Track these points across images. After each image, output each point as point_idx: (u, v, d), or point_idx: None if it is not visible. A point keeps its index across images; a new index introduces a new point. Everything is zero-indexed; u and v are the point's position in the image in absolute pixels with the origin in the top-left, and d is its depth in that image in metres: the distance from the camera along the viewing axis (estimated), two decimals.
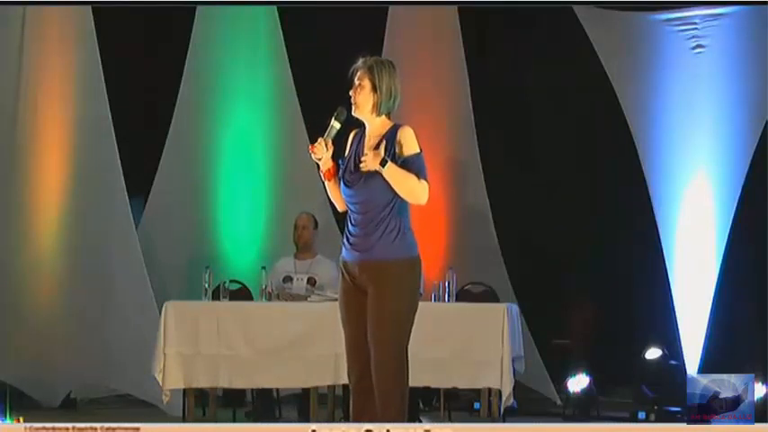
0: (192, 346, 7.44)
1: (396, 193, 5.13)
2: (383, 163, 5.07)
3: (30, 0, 8.68)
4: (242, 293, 8.53)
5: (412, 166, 5.12)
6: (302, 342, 7.44)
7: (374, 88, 5.18)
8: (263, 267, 7.94)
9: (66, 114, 8.76)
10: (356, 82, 5.23)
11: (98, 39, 8.69)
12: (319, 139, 5.23)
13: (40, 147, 8.74)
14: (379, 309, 5.12)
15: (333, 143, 5.24)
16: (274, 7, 9.40)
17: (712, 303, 8.56)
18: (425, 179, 5.13)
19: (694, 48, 8.77)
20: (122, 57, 9.01)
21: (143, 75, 9.42)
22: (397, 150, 5.15)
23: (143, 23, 9.29)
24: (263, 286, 7.79)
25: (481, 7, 9.22)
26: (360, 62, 5.25)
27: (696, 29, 8.76)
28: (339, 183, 5.27)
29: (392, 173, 5.09)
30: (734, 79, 8.65)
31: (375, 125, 5.24)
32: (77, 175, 8.73)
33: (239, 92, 9.45)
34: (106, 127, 8.61)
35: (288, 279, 8.14)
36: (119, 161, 8.58)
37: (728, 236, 8.56)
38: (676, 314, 8.66)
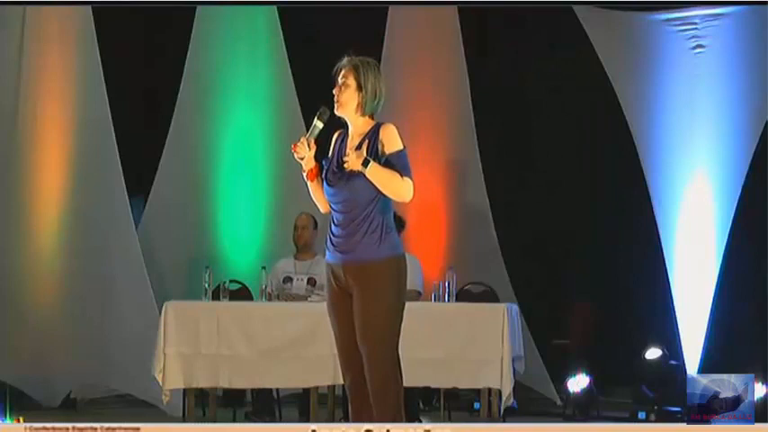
0: (192, 346, 7.44)
1: (379, 191, 5.07)
2: (365, 163, 5.02)
3: (30, 0, 8.68)
4: (242, 293, 8.53)
5: (395, 163, 5.06)
6: (302, 342, 7.44)
7: (359, 87, 5.13)
8: (263, 267, 7.94)
9: (66, 114, 8.76)
10: (340, 80, 5.16)
11: (98, 39, 8.68)
12: (302, 138, 5.19)
13: (40, 147, 8.73)
14: (365, 311, 5.07)
15: (316, 143, 5.19)
16: (274, 7, 9.40)
17: (712, 303, 8.56)
18: (409, 176, 5.07)
19: (694, 48, 8.77)
20: (122, 57, 9.01)
21: (143, 75, 9.42)
22: (379, 148, 5.09)
23: (143, 23, 9.29)
24: (263, 287, 7.78)
25: (481, 7, 9.22)
26: (344, 61, 5.18)
27: (696, 29, 8.76)
28: (322, 183, 5.22)
29: (374, 172, 5.03)
30: (734, 79, 8.64)
31: (358, 125, 5.19)
32: (77, 175, 8.73)
33: (239, 92, 9.44)
34: (106, 127, 8.61)
35: (288, 279, 8.14)
36: (119, 161, 8.58)
37: (728, 236, 8.56)
38: (676, 314, 8.66)
